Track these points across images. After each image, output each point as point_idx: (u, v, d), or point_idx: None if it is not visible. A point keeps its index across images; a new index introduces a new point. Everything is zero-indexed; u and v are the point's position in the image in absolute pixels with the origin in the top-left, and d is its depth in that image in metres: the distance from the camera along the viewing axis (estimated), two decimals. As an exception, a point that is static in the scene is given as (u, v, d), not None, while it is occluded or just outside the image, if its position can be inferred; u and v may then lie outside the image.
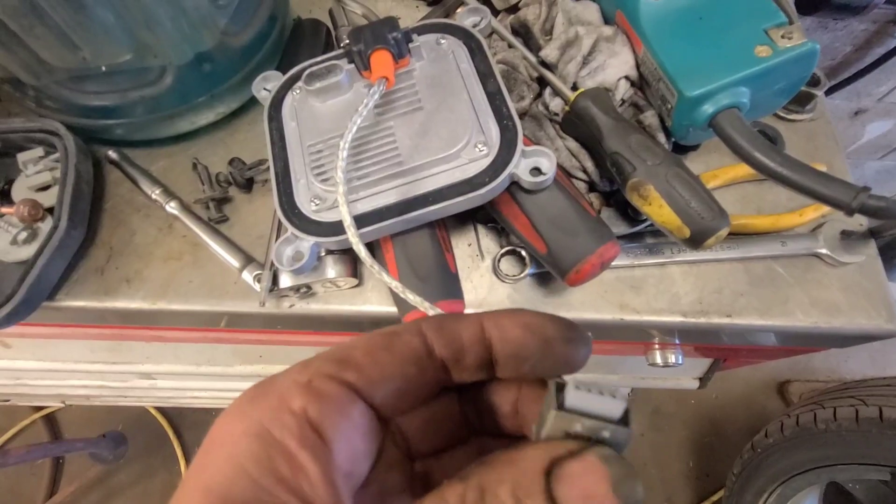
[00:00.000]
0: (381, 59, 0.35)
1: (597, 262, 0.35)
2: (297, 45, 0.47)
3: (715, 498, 1.41)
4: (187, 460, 1.30)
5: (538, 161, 0.35)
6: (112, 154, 0.44)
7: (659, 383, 0.71)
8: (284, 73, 0.41)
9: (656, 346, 0.52)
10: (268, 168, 0.43)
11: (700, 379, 0.69)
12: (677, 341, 0.51)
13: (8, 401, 0.91)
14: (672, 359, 0.52)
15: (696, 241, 0.35)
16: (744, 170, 0.46)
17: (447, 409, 0.20)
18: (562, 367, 0.17)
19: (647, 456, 1.50)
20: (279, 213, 0.36)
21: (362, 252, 0.29)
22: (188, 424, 1.33)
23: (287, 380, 0.16)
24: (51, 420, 1.31)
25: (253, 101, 0.48)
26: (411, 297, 0.31)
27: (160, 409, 1.32)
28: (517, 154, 0.35)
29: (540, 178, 0.34)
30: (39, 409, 1.28)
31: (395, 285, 0.33)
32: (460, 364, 0.17)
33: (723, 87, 0.36)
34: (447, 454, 0.20)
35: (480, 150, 0.35)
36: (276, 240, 0.37)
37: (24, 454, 0.93)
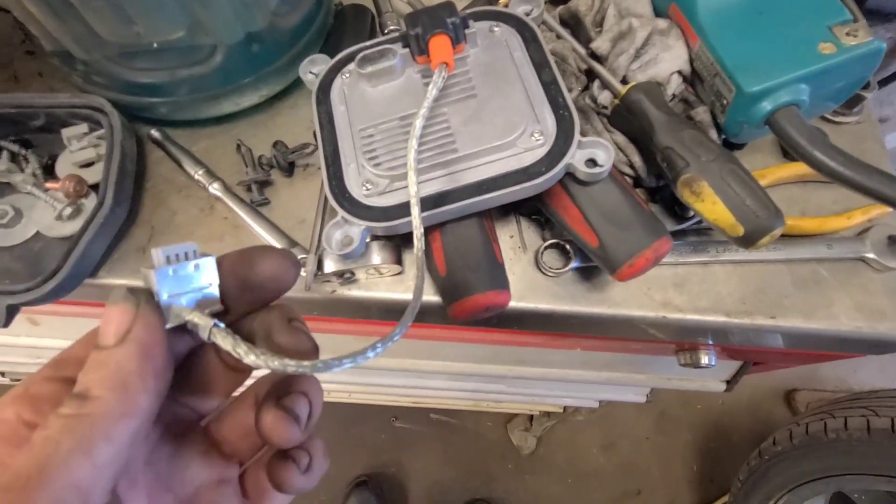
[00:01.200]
0: (440, 45, 0.34)
1: (651, 256, 0.34)
2: (341, 29, 0.46)
3: (718, 503, 1.41)
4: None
5: (594, 153, 0.35)
6: (155, 133, 0.44)
7: (685, 384, 0.71)
8: (330, 57, 0.40)
9: (688, 347, 0.52)
10: (311, 152, 0.43)
11: (727, 382, 0.69)
12: (710, 342, 0.51)
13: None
14: (705, 360, 0.51)
15: (749, 239, 0.35)
16: (790, 171, 0.45)
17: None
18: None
19: (652, 458, 1.50)
20: (330, 197, 0.35)
21: (419, 242, 0.29)
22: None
23: (4, 397, 0.17)
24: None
25: (294, 85, 0.48)
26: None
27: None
28: (574, 144, 0.34)
29: (596, 170, 0.34)
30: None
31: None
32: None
33: (784, 84, 0.35)
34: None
35: (537, 140, 0.35)
36: (324, 223, 0.37)
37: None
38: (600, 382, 0.70)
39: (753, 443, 1.42)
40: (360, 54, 0.37)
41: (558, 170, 0.34)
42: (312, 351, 0.20)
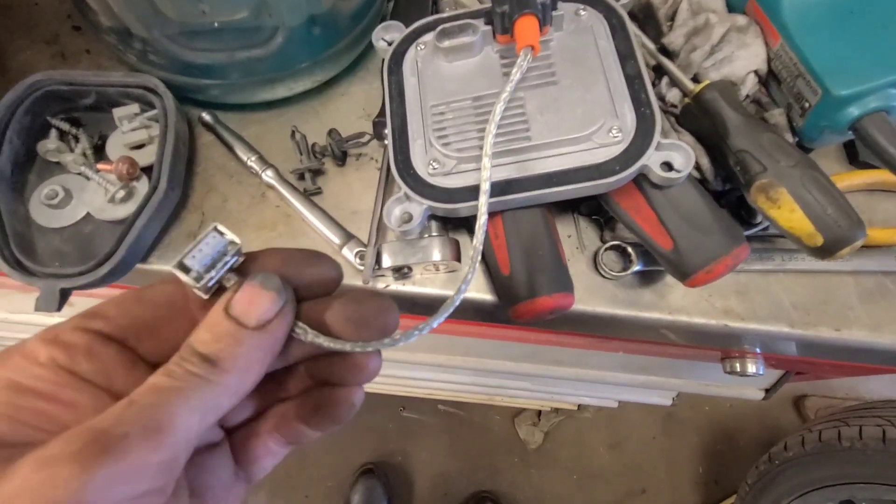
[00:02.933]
0: (527, 26, 0.33)
1: (730, 263, 0.33)
2: (400, 12, 0.45)
3: (722, 505, 1.42)
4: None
5: (672, 156, 0.33)
6: (206, 116, 0.42)
7: (723, 391, 0.70)
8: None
9: (736, 354, 0.51)
10: (366, 142, 0.42)
11: (766, 390, 0.68)
12: (758, 350, 0.50)
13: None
14: (752, 369, 0.50)
15: (828, 250, 0.33)
16: (858, 178, 0.44)
17: None
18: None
19: (658, 459, 1.50)
20: (394, 171, 0.34)
21: (480, 235, 0.28)
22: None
23: (32, 341, 0.17)
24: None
25: (346, 72, 0.46)
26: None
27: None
28: (653, 145, 0.33)
29: (672, 174, 0.33)
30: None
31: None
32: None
33: (876, 89, 0.33)
34: None
35: (614, 136, 0.33)
36: (381, 208, 0.36)
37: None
38: (634, 385, 0.69)
39: (760, 447, 1.41)
40: (440, 27, 0.36)
41: (633, 170, 0.33)
42: (392, 309, 0.20)
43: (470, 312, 0.42)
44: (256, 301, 0.17)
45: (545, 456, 1.48)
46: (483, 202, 0.30)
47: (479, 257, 0.27)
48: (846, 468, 0.92)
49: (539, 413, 1.45)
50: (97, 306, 0.19)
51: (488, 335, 0.56)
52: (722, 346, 0.44)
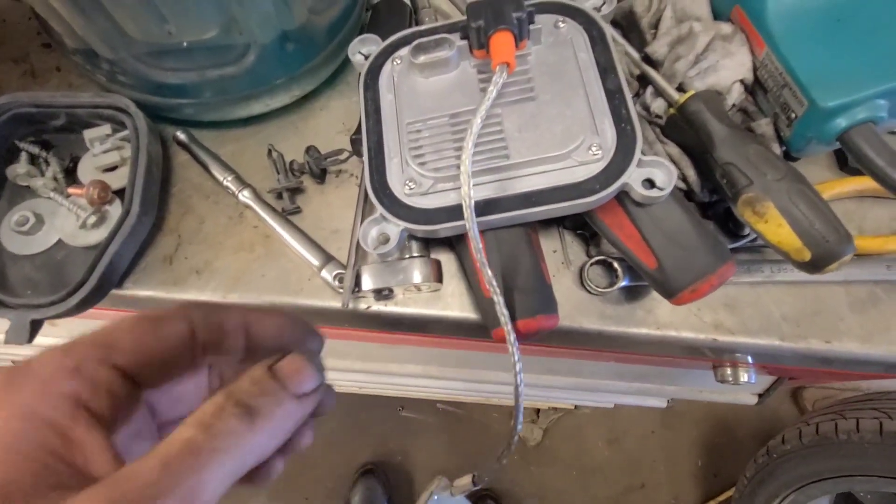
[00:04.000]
0: (502, 42, 0.32)
1: (715, 282, 0.32)
2: (376, 25, 0.44)
3: (722, 498, 1.42)
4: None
5: (654, 173, 0.32)
6: (181, 135, 0.41)
7: (716, 397, 0.69)
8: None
9: (728, 364, 0.50)
10: (345, 159, 0.41)
11: (760, 395, 0.67)
12: (750, 360, 0.49)
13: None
14: (745, 377, 0.50)
15: (816, 265, 0.33)
16: (848, 186, 0.43)
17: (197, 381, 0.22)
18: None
19: (657, 453, 1.50)
20: (370, 192, 0.33)
21: (480, 258, 0.27)
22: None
23: (49, 365, 0.17)
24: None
25: (325, 84, 0.45)
26: (502, 314, 0.30)
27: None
28: (633, 163, 0.32)
29: (654, 192, 0.32)
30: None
31: (497, 300, 0.31)
32: (219, 347, 0.20)
33: (863, 100, 0.33)
34: None
35: (594, 154, 0.32)
36: (361, 224, 0.35)
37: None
38: (629, 392, 0.69)
39: (759, 438, 1.41)
40: (416, 41, 0.35)
41: (613, 189, 0.32)
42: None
43: (455, 329, 0.41)
44: (303, 371, 0.19)
45: (545, 452, 1.49)
46: (473, 230, 0.29)
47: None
48: (844, 461, 0.92)
49: (538, 410, 1.45)
50: (113, 334, 0.18)
51: (478, 348, 0.55)
52: (713, 358, 0.43)
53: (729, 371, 0.50)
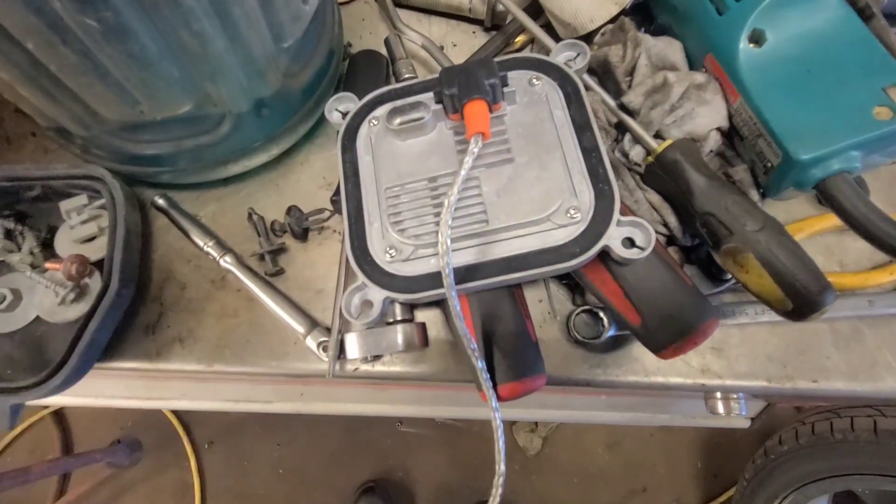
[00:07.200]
0: (476, 111, 0.32)
1: (699, 339, 0.32)
2: (355, 77, 0.43)
3: (723, 498, 1.42)
4: (197, 457, 1.30)
5: (633, 232, 0.32)
6: (159, 201, 0.41)
7: (710, 422, 0.70)
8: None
9: (719, 395, 0.51)
10: (327, 218, 0.41)
11: (752, 419, 0.68)
12: (741, 394, 0.49)
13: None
14: (735, 408, 0.50)
15: (798, 314, 0.33)
16: (829, 222, 0.43)
17: None
18: None
19: (657, 456, 1.50)
20: (350, 258, 0.33)
21: (465, 335, 0.27)
22: (198, 421, 1.33)
23: None
24: (60, 416, 1.30)
25: (306, 138, 0.45)
26: (484, 380, 0.30)
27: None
28: (612, 224, 0.32)
29: (634, 252, 0.32)
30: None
31: (480, 367, 0.31)
32: None
33: (837, 152, 0.33)
34: None
35: (573, 217, 0.32)
36: (343, 291, 0.35)
37: (45, 470, 0.92)
38: (622, 423, 0.69)
39: (757, 438, 1.42)
40: (391, 106, 0.35)
41: (593, 252, 0.32)
42: None
43: (444, 380, 0.41)
44: None
45: (545, 461, 1.48)
46: (452, 299, 0.29)
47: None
48: (840, 460, 0.92)
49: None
50: None
51: (471, 388, 0.55)
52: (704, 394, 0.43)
53: (720, 405, 0.50)
